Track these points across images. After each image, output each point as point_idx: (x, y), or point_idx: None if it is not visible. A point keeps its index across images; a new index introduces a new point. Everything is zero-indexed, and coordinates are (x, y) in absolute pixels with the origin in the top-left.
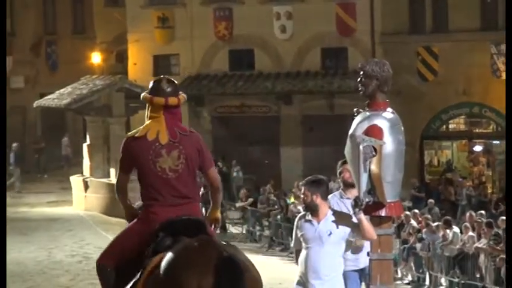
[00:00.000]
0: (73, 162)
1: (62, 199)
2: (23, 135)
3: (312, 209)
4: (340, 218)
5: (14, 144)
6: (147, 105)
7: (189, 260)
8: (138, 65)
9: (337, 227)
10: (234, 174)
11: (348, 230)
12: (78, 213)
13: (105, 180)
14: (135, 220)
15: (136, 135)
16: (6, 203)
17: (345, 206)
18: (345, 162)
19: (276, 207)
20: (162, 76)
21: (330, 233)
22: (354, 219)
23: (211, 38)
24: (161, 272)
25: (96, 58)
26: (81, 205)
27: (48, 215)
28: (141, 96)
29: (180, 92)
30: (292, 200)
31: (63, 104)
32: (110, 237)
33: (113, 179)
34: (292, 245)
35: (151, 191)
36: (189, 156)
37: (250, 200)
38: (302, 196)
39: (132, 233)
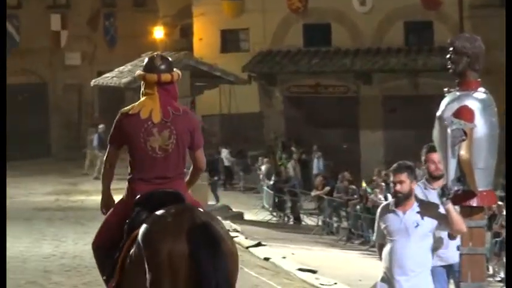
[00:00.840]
0: None
1: (122, 186)
2: (79, 115)
3: (407, 198)
4: (427, 208)
5: (100, 126)
6: (141, 82)
7: (162, 226)
8: (204, 41)
9: (423, 218)
10: (315, 161)
11: (435, 221)
12: None
13: None
14: (120, 198)
15: (130, 112)
16: (66, 190)
17: (430, 196)
18: (431, 149)
19: (355, 196)
20: (156, 53)
21: (417, 225)
22: (442, 210)
23: (284, 11)
24: (136, 245)
25: (158, 33)
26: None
27: None
28: (136, 75)
29: (175, 69)
30: (368, 188)
31: (123, 83)
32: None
33: None
34: (373, 238)
35: (138, 169)
36: (179, 136)
37: (327, 188)
38: (395, 183)
39: (116, 210)
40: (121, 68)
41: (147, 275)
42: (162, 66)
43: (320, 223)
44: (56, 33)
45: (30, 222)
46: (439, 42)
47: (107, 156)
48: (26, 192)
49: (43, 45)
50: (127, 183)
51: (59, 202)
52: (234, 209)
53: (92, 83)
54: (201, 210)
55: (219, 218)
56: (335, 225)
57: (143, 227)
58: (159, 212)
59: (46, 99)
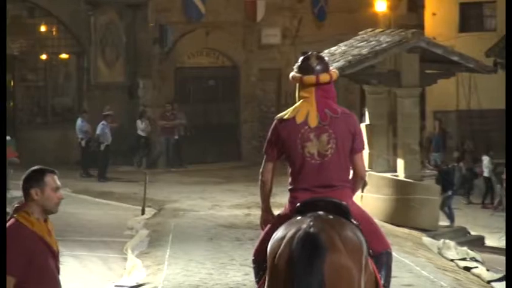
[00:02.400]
0: None
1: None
2: (278, 109)
3: None
4: None
5: None
6: (297, 85)
7: (281, 235)
8: (439, 16)
9: None
10: None
11: None
12: None
13: (388, 175)
14: (280, 211)
15: (285, 117)
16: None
17: None
18: None
19: None
20: (310, 52)
21: None
22: None
23: None
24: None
25: (380, 5)
26: None
27: None
28: (290, 76)
29: (331, 67)
30: None
31: (334, 67)
32: (395, 255)
33: (401, 173)
34: None
35: (298, 178)
36: (340, 140)
37: None
38: None
39: (275, 222)
40: (332, 49)
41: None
42: (319, 67)
43: None
44: (251, 3)
45: (214, 243)
46: None
47: (262, 169)
48: (210, 204)
49: (234, 19)
50: (288, 194)
51: (251, 218)
52: (472, 232)
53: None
54: (331, 217)
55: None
56: None
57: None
58: (289, 220)
59: (236, 88)
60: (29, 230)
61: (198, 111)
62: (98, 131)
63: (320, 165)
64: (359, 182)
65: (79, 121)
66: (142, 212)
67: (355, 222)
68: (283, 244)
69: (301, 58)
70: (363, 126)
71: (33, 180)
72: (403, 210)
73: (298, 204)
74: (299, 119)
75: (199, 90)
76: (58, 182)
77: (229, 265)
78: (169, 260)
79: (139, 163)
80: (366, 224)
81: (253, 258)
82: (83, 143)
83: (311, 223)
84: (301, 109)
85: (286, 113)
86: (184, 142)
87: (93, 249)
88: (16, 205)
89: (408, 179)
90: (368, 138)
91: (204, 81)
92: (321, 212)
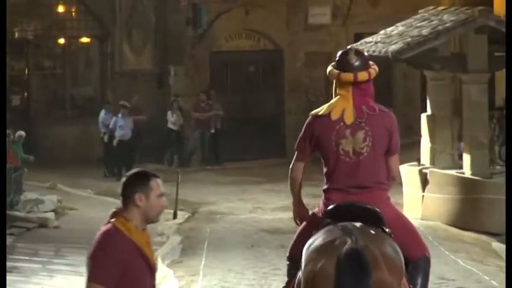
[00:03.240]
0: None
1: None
2: (328, 97)
3: None
4: None
5: None
6: (334, 81)
7: (320, 245)
8: None
9: None
10: None
11: None
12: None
13: (452, 172)
14: (315, 209)
15: (320, 113)
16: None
17: None
18: None
19: None
20: (349, 47)
21: None
22: None
23: None
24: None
25: None
26: (417, 210)
27: None
28: (327, 72)
29: (371, 63)
30: None
31: (391, 51)
32: (462, 263)
33: (467, 170)
34: None
35: (332, 178)
36: (376, 138)
37: None
38: None
39: (309, 223)
40: (389, 29)
41: None
42: (358, 63)
43: None
44: None
45: (256, 250)
46: None
47: (292, 166)
48: (251, 206)
49: None
50: (323, 194)
51: None
52: None
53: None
54: (372, 232)
55: None
56: None
57: (311, 240)
58: (327, 228)
59: (280, 74)
60: (126, 238)
61: (237, 102)
62: (110, 124)
63: (355, 164)
64: (391, 183)
65: (102, 113)
66: (174, 216)
67: (387, 230)
68: (324, 257)
69: (339, 53)
70: (423, 116)
71: (138, 184)
72: (470, 212)
73: (330, 207)
74: (334, 116)
75: (237, 78)
76: (162, 188)
77: (272, 275)
78: (204, 270)
79: (170, 161)
80: (401, 229)
81: (288, 255)
82: (106, 138)
83: (354, 238)
84: (336, 105)
85: (321, 109)
86: (221, 136)
87: None
88: (114, 210)
89: (475, 176)
90: (429, 131)
91: (244, 67)
92: (358, 224)
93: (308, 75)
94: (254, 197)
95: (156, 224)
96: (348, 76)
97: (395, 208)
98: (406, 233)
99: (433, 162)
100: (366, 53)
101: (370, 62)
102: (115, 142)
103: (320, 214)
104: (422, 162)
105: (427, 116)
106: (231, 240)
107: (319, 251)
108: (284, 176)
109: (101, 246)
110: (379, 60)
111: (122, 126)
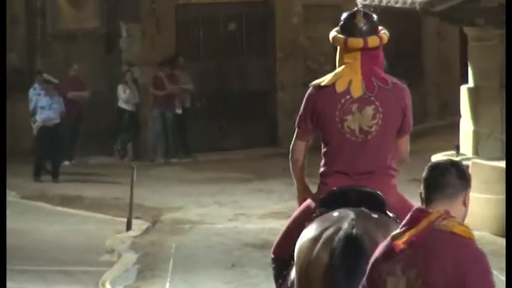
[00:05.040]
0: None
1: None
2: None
3: None
4: None
5: None
6: (338, 48)
7: (315, 233)
8: None
9: None
10: None
11: None
12: None
13: (502, 164)
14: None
15: (322, 83)
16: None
17: None
18: None
19: None
20: (355, 9)
21: None
22: None
23: None
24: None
25: None
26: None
27: None
28: (331, 38)
29: (381, 28)
30: None
31: (419, 3)
32: None
33: None
34: None
35: (334, 159)
36: (387, 115)
37: None
38: None
39: (298, 214)
40: None
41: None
42: (366, 27)
43: None
44: None
45: (239, 271)
46: None
47: (292, 146)
48: (232, 213)
49: None
50: (319, 178)
51: None
52: None
53: (359, 2)
54: (375, 216)
55: None
56: None
57: (307, 229)
58: (322, 216)
59: (270, 34)
60: None
61: (212, 72)
62: (30, 106)
63: (361, 144)
64: (400, 164)
65: (32, 90)
66: (128, 227)
67: (392, 215)
68: (318, 247)
69: (344, 15)
70: (463, 89)
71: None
72: None
73: (323, 195)
74: (340, 87)
75: (212, 40)
76: None
77: None
78: None
79: (122, 152)
80: (405, 215)
81: (272, 256)
82: (36, 123)
83: (353, 222)
84: (342, 75)
85: (324, 79)
86: (191, 119)
87: (52, 283)
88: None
89: None
90: (472, 109)
91: (221, 25)
92: (358, 210)
93: (308, 36)
94: (235, 199)
95: (103, 237)
96: (357, 42)
97: (399, 193)
98: None
99: (476, 151)
100: (375, 16)
101: (380, 27)
102: (35, 128)
103: (313, 205)
104: (462, 151)
105: (469, 88)
106: (205, 259)
107: (315, 239)
108: (276, 171)
109: None
110: (404, 14)
111: (44, 108)
